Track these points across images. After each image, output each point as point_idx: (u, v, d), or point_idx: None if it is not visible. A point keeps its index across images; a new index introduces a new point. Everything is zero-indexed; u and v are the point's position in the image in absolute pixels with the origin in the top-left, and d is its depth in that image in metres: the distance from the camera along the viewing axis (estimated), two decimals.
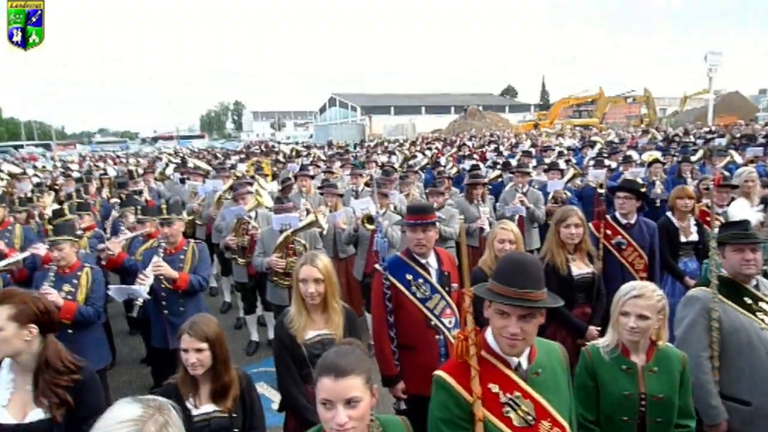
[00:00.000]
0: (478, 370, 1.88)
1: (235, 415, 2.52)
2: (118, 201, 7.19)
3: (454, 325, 3.36)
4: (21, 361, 2.25)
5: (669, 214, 5.12)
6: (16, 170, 14.11)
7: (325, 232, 5.78)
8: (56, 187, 11.28)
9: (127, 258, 5.02)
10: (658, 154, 10.25)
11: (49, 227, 4.06)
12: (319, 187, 7.22)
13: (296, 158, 14.57)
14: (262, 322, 6.62)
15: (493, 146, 18.28)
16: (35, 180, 12.97)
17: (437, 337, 3.34)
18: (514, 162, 9.93)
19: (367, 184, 7.70)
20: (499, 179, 9.17)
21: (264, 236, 5.24)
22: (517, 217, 6.35)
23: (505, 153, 14.50)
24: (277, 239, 5.02)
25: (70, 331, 3.82)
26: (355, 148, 25.09)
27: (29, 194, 9.46)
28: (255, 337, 6.38)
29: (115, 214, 6.59)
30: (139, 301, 4.12)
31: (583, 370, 2.56)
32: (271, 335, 6.34)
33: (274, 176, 11.33)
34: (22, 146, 62.66)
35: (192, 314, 4.48)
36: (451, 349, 3.25)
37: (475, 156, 14.33)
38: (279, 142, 42.08)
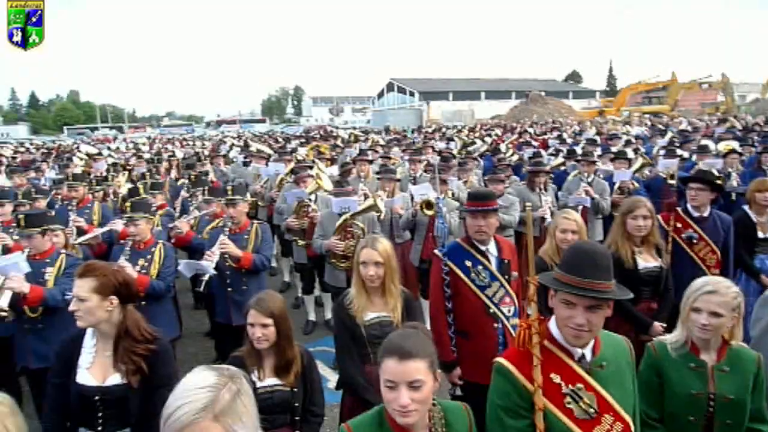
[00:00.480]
0: (541, 359, 1.86)
1: (296, 389, 2.62)
2: (187, 181, 7.51)
3: (513, 313, 3.33)
4: (102, 330, 2.42)
5: (746, 208, 4.82)
6: (93, 151, 15.00)
7: (382, 217, 5.83)
8: (129, 168, 11.91)
9: (195, 236, 5.27)
10: (735, 144, 9.62)
11: (127, 204, 4.30)
12: (377, 172, 7.27)
13: (354, 143, 14.67)
14: (319, 302, 6.78)
15: (555, 133, 17.72)
16: (110, 160, 13.72)
17: (495, 325, 3.32)
18: (578, 150, 9.61)
19: (425, 170, 7.69)
20: (562, 167, 8.90)
21: (323, 219, 5.34)
22: (580, 207, 6.16)
23: (569, 141, 14.03)
24: (336, 222, 5.11)
25: (143, 303, 4.06)
26: (412, 133, 24.99)
27: (105, 173, 10.06)
28: (312, 316, 6.55)
29: (184, 194, 6.90)
30: (206, 277, 4.31)
31: (648, 367, 2.48)
32: (327, 315, 6.50)
33: (332, 160, 11.50)
34: (97, 128, 66.56)
35: (254, 292, 4.66)
36: (510, 337, 3.24)
37: (536, 143, 13.96)
38: (337, 128, 42.57)
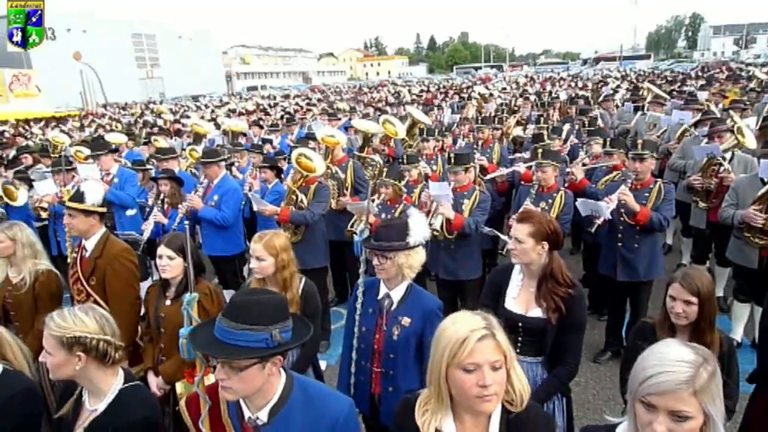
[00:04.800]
0: None
1: None
2: (578, 127, 7.54)
3: None
4: (531, 269, 2.75)
5: None
6: (484, 92, 16.44)
7: None
8: (515, 109, 12.66)
9: (589, 185, 5.32)
10: None
11: (538, 150, 4.61)
12: None
13: None
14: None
15: None
16: (498, 101, 14.85)
17: None
18: None
19: None
20: None
21: (740, 184, 4.61)
22: None
23: None
24: (758, 190, 4.34)
25: None
26: None
27: (493, 114, 10.97)
28: None
29: (574, 140, 6.99)
30: (600, 220, 4.33)
31: None
32: (719, 292, 5.72)
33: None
34: (480, 67, 72.59)
35: (646, 252, 4.52)
36: None
37: None
38: (745, 63, 34.92)
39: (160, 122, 16.56)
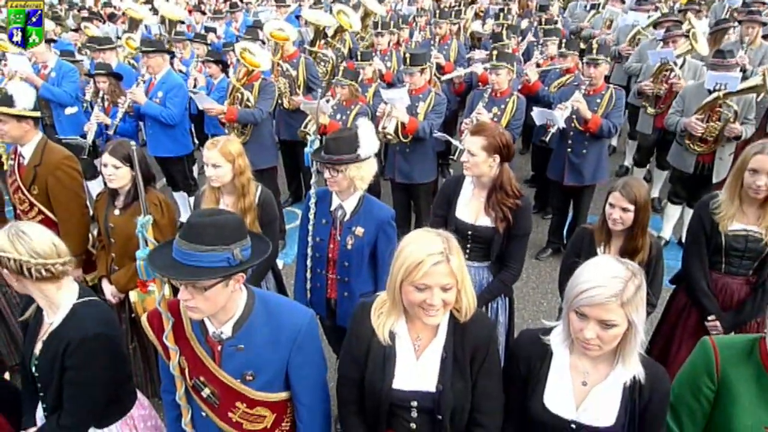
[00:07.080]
0: None
1: None
2: (536, 24, 7.35)
3: None
4: (482, 180, 2.82)
5: None
6: None
7: (758, 99, 4.83)
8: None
9: (542, 88, 5.33)
10: None
11: (494, 51, 4.51)
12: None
13: None
14: (647, 178, 6.33)
15: None
16: None
17: None
18: None
19: None
20: None
21: (687, 92, 4.72)
22: None
23: None
24: (703, 99, 4.48)
25: None
26: None
27: (454, 5, 10.44)
28: None
29: (531, 38, 6.83)
30: (554, 129, 4.41)
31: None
32: (654, 193, 6.06)
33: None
34: None
35: (593, 158, 4.69)
36: None
37: None
38: None
39: (89, 2, 14.96)
